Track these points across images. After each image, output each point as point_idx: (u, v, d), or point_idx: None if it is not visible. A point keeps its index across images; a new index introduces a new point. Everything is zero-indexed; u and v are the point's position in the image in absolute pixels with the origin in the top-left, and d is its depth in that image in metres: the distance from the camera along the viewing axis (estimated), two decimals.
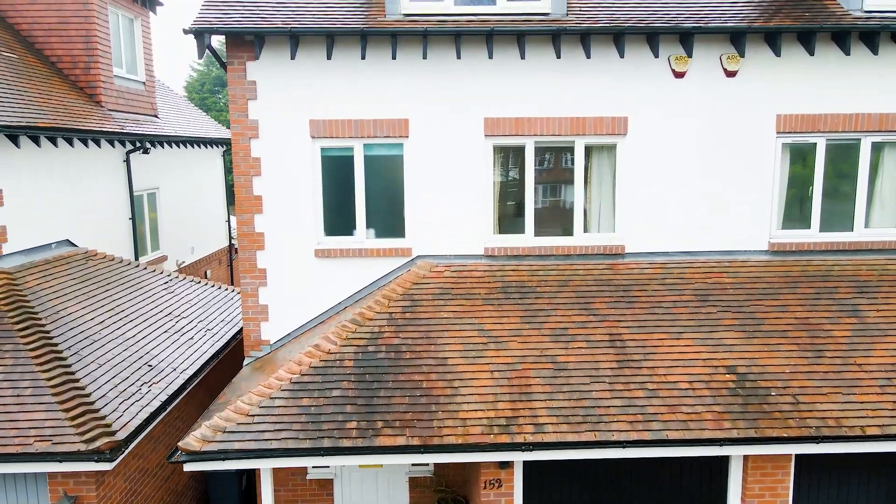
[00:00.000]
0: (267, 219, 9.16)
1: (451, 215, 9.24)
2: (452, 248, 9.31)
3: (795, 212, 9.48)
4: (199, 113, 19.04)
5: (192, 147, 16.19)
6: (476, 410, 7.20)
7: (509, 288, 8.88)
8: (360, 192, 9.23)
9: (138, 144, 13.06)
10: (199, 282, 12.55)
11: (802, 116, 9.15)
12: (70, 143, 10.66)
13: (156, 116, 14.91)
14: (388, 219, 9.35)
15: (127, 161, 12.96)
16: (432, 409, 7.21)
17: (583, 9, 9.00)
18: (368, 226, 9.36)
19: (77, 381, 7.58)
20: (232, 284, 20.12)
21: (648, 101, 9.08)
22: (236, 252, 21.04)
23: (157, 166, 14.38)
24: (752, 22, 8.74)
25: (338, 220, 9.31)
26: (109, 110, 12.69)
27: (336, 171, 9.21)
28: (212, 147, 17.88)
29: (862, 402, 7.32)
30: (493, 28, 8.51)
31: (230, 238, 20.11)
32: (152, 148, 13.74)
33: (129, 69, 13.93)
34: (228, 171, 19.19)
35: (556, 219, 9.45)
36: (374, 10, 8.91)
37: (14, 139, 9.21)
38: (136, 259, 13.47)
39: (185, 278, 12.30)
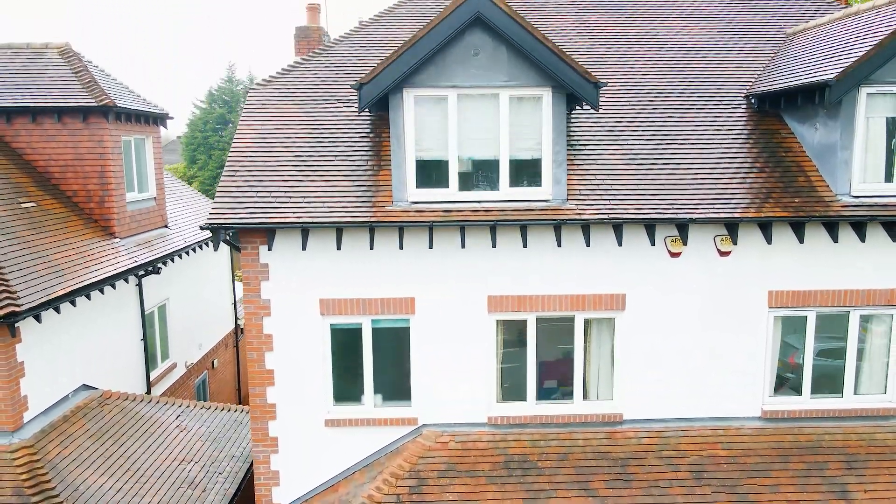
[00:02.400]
0: (278, 390, 9.52)
1: (456, 385, 9.60)
2: (457, 417, 9.67)
3: (787, 379, 9.84)
4: (206, 203, 19.41)
5: (202, 248, 16.54)
6: None
7: (511, 462, 9.24)
8: (368, 361, 9.60)
9: (151, 269, 13.43)
10: (209, 407, 12.90)
11: (793, 293, 9.52)
12: (88, 297, 11.03)
13: (166, 227, 15.29)
14: (395, 385, 9.71)
15: (139, 285, 13.34)
16: None
17: (582, 192, 9.38)
18: (376, 391, 9.73)
19: None
20: (238, 367, 20.47)
21: (645, 279, 9.46)
22: (242, 332, 21.43)
23: (166, 278, 14.74)
24: (745, 210, 9.12)
25: (346, 388, 9.67)
26: (123, 237, 13.07)
27: (344, 342, 9.58)
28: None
29: None
30: (497, 221, 8.90)
31: (236, 319, 20.48)
32: (163, 266, 14.10)
33: (141, 188, 14.32)
34: None
35: (557, 386, 9.81)
36: (381, 195, 9.28)
37: (37, 317, 9.58)
38: (148, 375, 13.82)
39: (194, 406, 12.66)
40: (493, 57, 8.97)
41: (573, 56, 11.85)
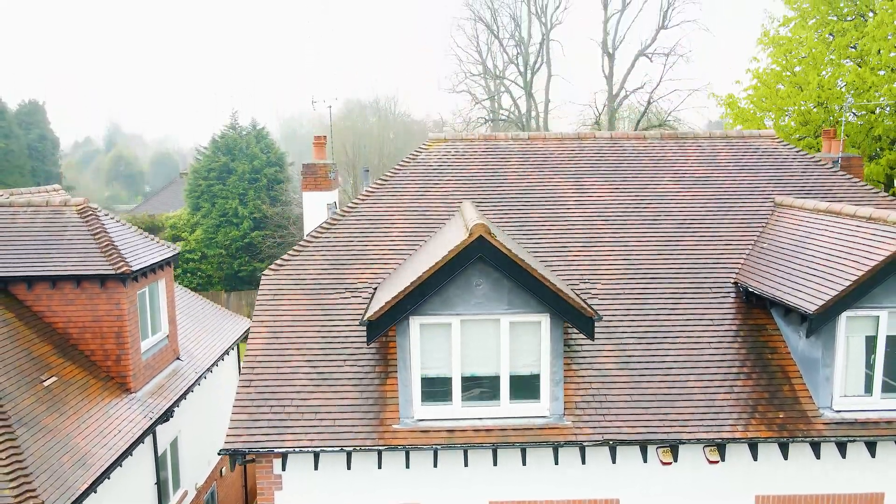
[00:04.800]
0: None
1: None
2: None
3: None
4: (213, 309, 19.94)
5: (211, 371, 17.05)
6: None
7: None
8: None
9: (164, 418, 13.93)
10: None
11: (779, 497, 10.07)
12: (108, 477, 11.54)
13: (178, 359, 15.83)
14: None
15: (153, 434, 13.85)
16: None
17: (578, 405, 9.91)
18: None
19: None
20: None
21: (637, 484, 10.00)
22: None
23: (178, 413, 15.22)
24: (733, 428, 9.67)
25: None
26: (138, 389, 13.60)
27: None
28: (229, 353, 18.75)
29: None
30: (497, 444, 9.45)
31: None
32: (176, 408, 14.60)
33: (155, 329, 14.84)
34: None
35: None
36: (389, 410, 9.82)
37: None
38: None
39: None
40: (495, 288, 9.52)
41: (569, 232, 12.44)
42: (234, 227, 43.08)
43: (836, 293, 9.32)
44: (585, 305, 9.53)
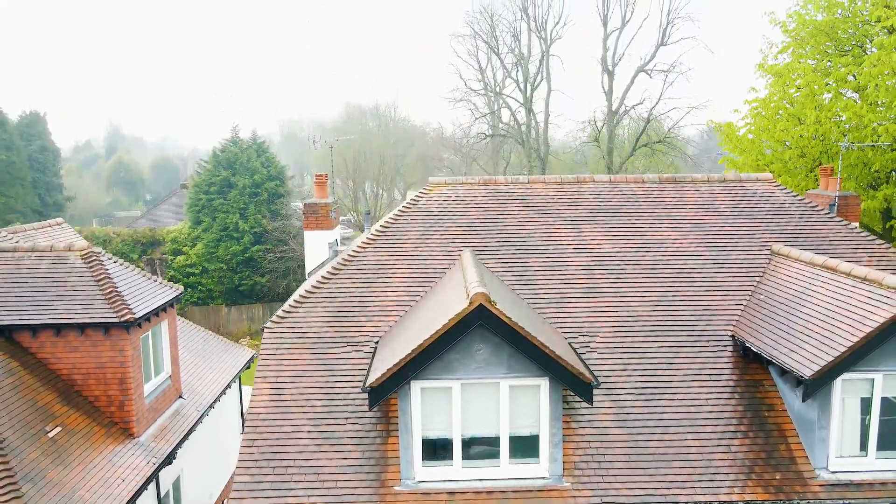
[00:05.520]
0: None
1: None
2: None
3: None
4: (215, 340, 20.06)
5: (213, 407, 17.19)
6: None
7: None
8: None
9: (167, 462, 14.07)
10: None
11: None
12: None
13: (181, 397, 15.96)
14: None
15: (156, 479, 13.98)
16: None
17: (577, 465, 10.04)
18: None
19: None
20: None
21: None
22: None
23: (180, 453, 15.36)
24: (730, 490, 9.80)
25: None
26: (141, 434, 13.73)
27: None
28: (231, 386, 18.88)
29: None
30: None
31: None
32: (178, 449, 14.74)
33: (158, 370, 14.99)
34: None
35: None
36: (390, 471, 9.94)
37: None
38: None
39: None
40: (495, 352, 9.65)
41: (568, 280, 12.57)
42: (235, 242, 43.24)
43: (832, 359, 9.45)
44: (584, 370, 9.67)
